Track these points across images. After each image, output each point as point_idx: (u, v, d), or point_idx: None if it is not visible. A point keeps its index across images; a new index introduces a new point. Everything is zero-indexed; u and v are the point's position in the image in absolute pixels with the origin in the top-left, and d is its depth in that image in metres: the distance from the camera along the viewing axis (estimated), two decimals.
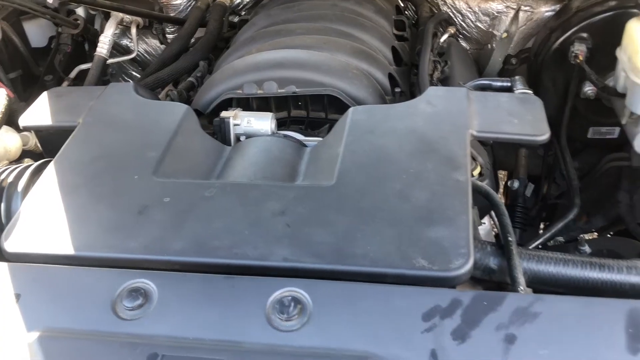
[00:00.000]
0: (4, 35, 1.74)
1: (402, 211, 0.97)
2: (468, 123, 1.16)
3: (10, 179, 1.18)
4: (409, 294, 0.80)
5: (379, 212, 0.97)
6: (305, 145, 1.29)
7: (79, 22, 1.98)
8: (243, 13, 2.11)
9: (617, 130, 1.85)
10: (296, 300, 0.79)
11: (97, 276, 0.86)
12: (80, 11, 2.03)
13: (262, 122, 1.31)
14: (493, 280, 1.06)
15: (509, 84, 1.38)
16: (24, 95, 1.85)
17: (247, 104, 1.41)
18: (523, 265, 1.01)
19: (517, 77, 1.39)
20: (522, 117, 1.20)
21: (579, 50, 1.65)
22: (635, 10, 1.47)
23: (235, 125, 1.31)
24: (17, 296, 0.82)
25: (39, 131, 1.32)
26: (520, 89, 1.34)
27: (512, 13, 1.92)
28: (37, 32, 2.09)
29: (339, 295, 0.81)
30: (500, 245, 1.05)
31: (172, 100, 1.54)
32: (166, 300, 0.81)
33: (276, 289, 0.80)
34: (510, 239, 1.03)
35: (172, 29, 2.12)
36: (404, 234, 0.92)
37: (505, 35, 1.92)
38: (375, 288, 0.82)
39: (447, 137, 1.12)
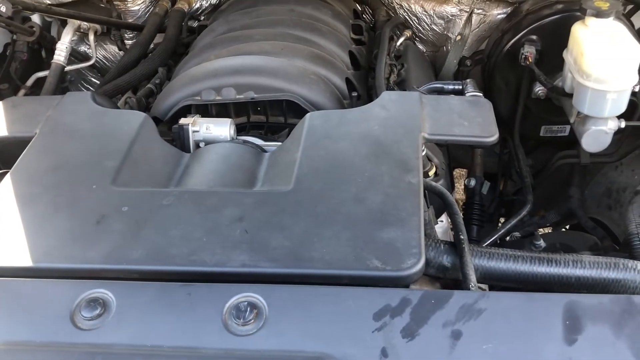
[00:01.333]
0: None
1: (357, 214, 1.00)
2: (420, 126, 1.20)
3: None
4: (361, 294, 0.84)
5: (335, 215, 1.00)
6: (264, 150, 1.31)
7: (34, 29, 1.96)
8: (202, 18, 2.12)
9: (567, 128, 1.93)
10: (252, 305, 0.81)
11: (55, 287, 0.87)
12: (35, 18, 2.00)
13: (221, 128, 1.32)
14: (448, 278, 1.10)
15: (460, 87, 1.43)
16: None
17: (206, 110, 1.42)
18: (475, 262, 1.05)
19: (468, 80, 1.44)
20: (472, 119, 1.24)
21: (529, 52, 1.71)
22: (580, 14, 1.53)
23: (194, 131, 1.32)
24: None
25: None
26: (471, 91, 1.39)
27: (465, 16, 1.97)
28: None
29: (294, 298, 0.83)
30: (454, 244, 1.09)
31: (130, 107, 1.54)
32: (124, 310, 0.82)
33: (232, 295, 0.82)
34: (461, 237, 1.06)
35: (130, 35, 2.11)
36: (358, 236, 0.95)
37: (459, 37, 1.98)
38: (329, 290, 0.85)
39: (400, 141, 1.16)
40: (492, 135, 1.20)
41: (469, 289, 0.98)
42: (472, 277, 0.99)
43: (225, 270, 0.91)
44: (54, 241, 0.98)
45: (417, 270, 0.89)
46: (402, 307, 0.79)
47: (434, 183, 1.21)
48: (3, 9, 1.77)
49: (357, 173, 1.09)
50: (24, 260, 0.94)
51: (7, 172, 1.15)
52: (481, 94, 1.37)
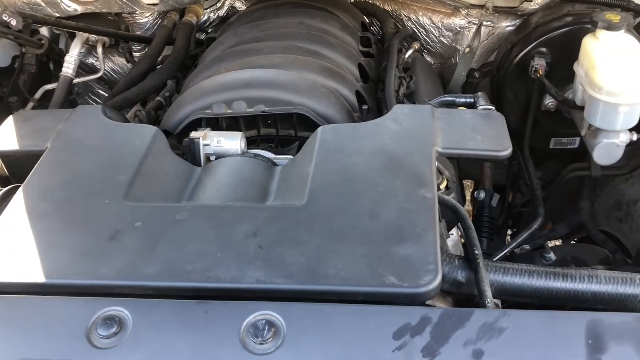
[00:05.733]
0: None
1: (372, 229, 0.99)
2: (433, 140, 1.19)
3: None
4: (380, 312, 0.83)
5: (349, 230, 0.99)
6: (275, 164, 1.30)
7: (43, 42, 1.96)
8: (210, 31, 2.12)
9: (577, 140, 1.92)
10: (270, 324, 0.80)
11: (71, 305, 0.86)
12: (44, 31, 2.00)
13: (232, 142, 1.32)
14: (462, 293, 1.09)
15: (472, 100, 1.42)
16: None
17: (217, 123, 1.42)
18: (490, 277, 1.04)
19: (479, 93, 1.43)
20: (485, 133, 1.23)
21: (539, 64, 1.71)
22: (590, 26, 1.53)
23: (205, 145, 1.31)
24: None
25: (6, 156, 1.30)
26: (483, 104, 1.39)
27: (474, 28, 1.97)
28: None
29: (312, 316, 0.82)
30: (467, 258, 1.09)
31: (140, 120, 1.54)
32: (141, 328, 0.81)
33: (250, 313, 0.81)
34: (476, 252, 1.06)
35: (138, 47, 2.11)
36: (374, 252, 0.94)
37: (467, 50, 1.98)
38: (347, 308, 0.84)
39: (414, 155, 1.15)
40: (505, 149, 1.19)
41: (485, 305, 0.97)
42: (489, 293, 0.98)
43: (240, 287, 0.90)
44: (67, 257, 0.97)
45: (434, 287, 0.89)
46: (422, 325, 0.78)
47: (446, 197, 1.20)
48: (13, 22, 1.77)
49: (371, 187, 1.08)
50: (37, 276, 0.93)
51: (19, 186, 1.14)
52: (493, 107, 1.37)
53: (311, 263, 0.93)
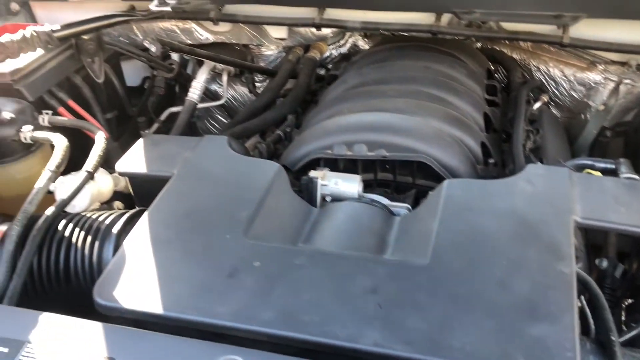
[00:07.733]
0: (105, 77, 1.82)
1: (501, 301, 0.92)
2: (571, 208, 1.10)
3: (104, 226, 1.21)
4: None
5: (476, 300, 0.92)
6: (391, 211, 1.26)
7: (174, 66, 2.05)
8: (330, 67, 2.13)
9: None
10: None
11: (191, 347, 0.85)
12: (175, 56, 2.10)
13: (350, 185, 1.29)
14: None
15: (613, 167, 1.31)
16: (116, 133, 1.91)
17: (335, 163, 1.40)
18: None
19: (622, 160, 1.32)
20: (630, 205, 1.13)
21: None
22: None
23: (322, 185, 1.30)
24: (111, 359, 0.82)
25: (134, 177, 1.35)
26: (626, 173, 1.27)
27: (610, 85, 1.84)
28: (132, 71, 2.18)
29: None
30: (599, 342, 0.99)
31: (260, 152, 1.56)
32: None
33: None
34: (612, 338, 0.96)
35: (261, 79, 2.16)
36: (503, 327, 0.87)
37: (602, 107, 1.85)
38: None
39: (550, 222, 1.07)
40: None
41: None
42: None
43: (356, 347, 0.86)
44: (185, 290, 0.97)
45: None
46: None
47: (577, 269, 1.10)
48: (153, 49, 1.86)
49: (501, 254, 1.01)
50: (156, 306, 0.93)
51: (144, 210, 1.17)
52: (638, 177, 1.25)
53: (434, 331, 0.87)
